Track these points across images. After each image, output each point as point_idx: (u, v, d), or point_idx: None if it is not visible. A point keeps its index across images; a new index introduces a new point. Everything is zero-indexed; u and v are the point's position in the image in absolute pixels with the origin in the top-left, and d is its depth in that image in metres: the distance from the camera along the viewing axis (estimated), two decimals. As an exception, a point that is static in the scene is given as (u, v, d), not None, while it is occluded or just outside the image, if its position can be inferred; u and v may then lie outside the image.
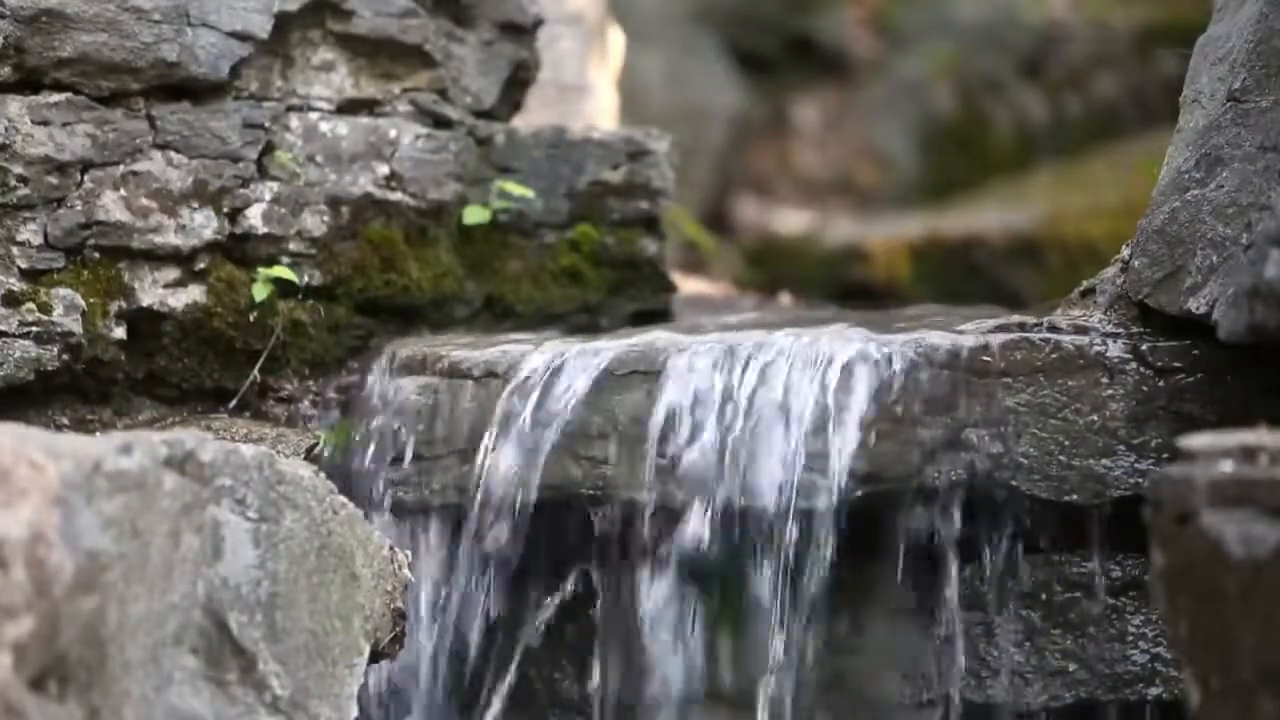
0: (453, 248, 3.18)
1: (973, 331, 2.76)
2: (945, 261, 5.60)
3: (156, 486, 2.11)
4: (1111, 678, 2.69)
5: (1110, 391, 2.70)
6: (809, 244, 6.03)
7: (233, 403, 3.01)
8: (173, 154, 2.95)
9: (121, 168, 2.91)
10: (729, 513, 2.69)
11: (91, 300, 2.88)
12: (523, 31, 3.28)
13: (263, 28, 3.00)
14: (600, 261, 3.25)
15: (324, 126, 3.09)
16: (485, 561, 2.78)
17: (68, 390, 2.93)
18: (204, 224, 2.97)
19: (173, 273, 2.97)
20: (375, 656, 2.41)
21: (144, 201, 2.93)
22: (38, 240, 2.87)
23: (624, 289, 3.27)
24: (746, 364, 2.74)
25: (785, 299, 4.31)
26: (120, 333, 2.92)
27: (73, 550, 1.95)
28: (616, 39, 4.52)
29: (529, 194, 3.21)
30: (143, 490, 2.08)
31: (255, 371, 3.01)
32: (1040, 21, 7.15)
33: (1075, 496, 2.68)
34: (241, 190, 3.00)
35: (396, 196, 3.12)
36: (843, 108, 7.28)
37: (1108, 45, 6.86)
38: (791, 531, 2.67)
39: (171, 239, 2.95)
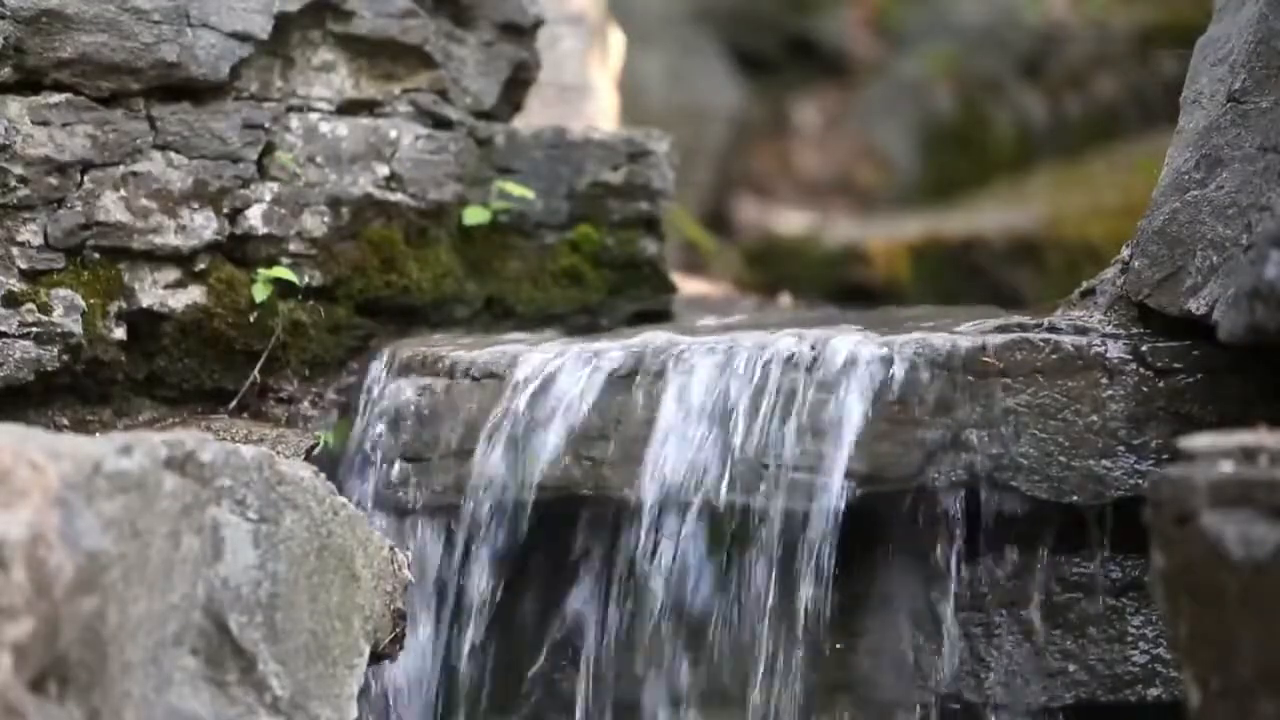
0: (453, 248, 3.18)
1: (972, 332, 2.76)
2: (945, 262, 5.59)
3: (156, 487, 2.11)
4: (1111, 678, 2.69)
5: (1110, 392, 2.70)
6: (809, 244, 6.02)
7: (233, 403, 3.01)
8: (173, 154, 2.95)
9: (121, 168, 2.92)
10: (730, 512, 2.69)
11: (91, 301, 2.88)
12: (523, 32, 3.28)
13: (263, 28, 3.00)
14: (600, 262, 3.25)
15: (324, 127, 3.09)
16: (485, 562, 2.78)
17: (68, 390, 2.92)
18: (204, 224, 2.97)
19: (173, 273, 2.97)
20: (375, 657, 2.41)
21: (144, 202, 2.93)
22: (38, 241, 2.87)
23: (624, 290, 3.27)
24: (747, 364, 2.74)
25: (785, 300, 4.30)
26: (120, 333, 2.92)
27: (73, 551, 1.95)
28: (617, 39, 4.52)
29: (529, 194, 3.21)
30: (143, 491, 2.08)
31: (255, 372, 3.01)
32: (1040, 22, 7.15)
33: (1075, 497, 2.68)
34: (241, 191, 3.00)
35: (396, 197, 3.12)
36: (843, 108, 7.28)
37: (1108, 45, 6.86)
38: (791, 531, 2.68)
39: (171, 239, 2.95)
